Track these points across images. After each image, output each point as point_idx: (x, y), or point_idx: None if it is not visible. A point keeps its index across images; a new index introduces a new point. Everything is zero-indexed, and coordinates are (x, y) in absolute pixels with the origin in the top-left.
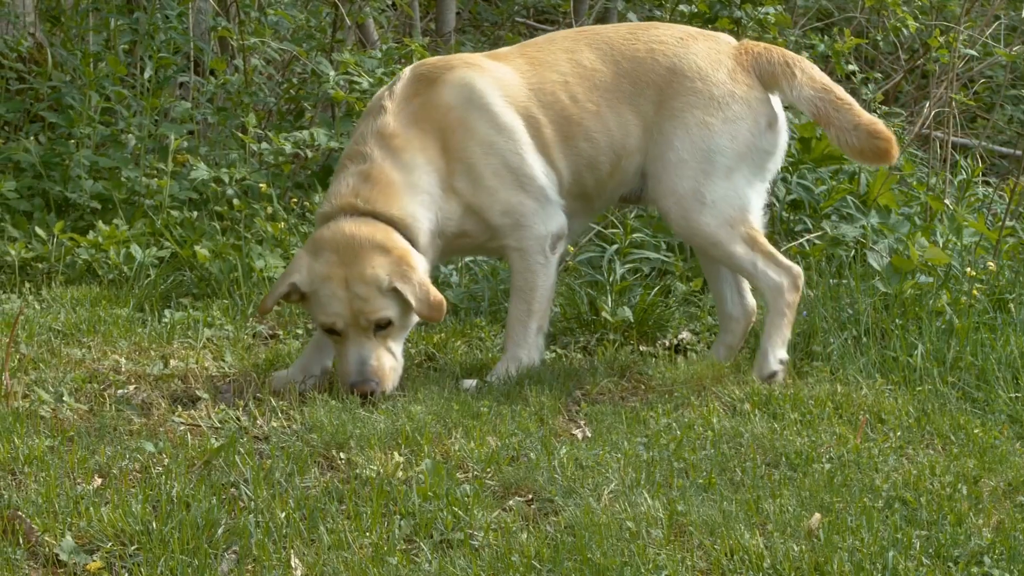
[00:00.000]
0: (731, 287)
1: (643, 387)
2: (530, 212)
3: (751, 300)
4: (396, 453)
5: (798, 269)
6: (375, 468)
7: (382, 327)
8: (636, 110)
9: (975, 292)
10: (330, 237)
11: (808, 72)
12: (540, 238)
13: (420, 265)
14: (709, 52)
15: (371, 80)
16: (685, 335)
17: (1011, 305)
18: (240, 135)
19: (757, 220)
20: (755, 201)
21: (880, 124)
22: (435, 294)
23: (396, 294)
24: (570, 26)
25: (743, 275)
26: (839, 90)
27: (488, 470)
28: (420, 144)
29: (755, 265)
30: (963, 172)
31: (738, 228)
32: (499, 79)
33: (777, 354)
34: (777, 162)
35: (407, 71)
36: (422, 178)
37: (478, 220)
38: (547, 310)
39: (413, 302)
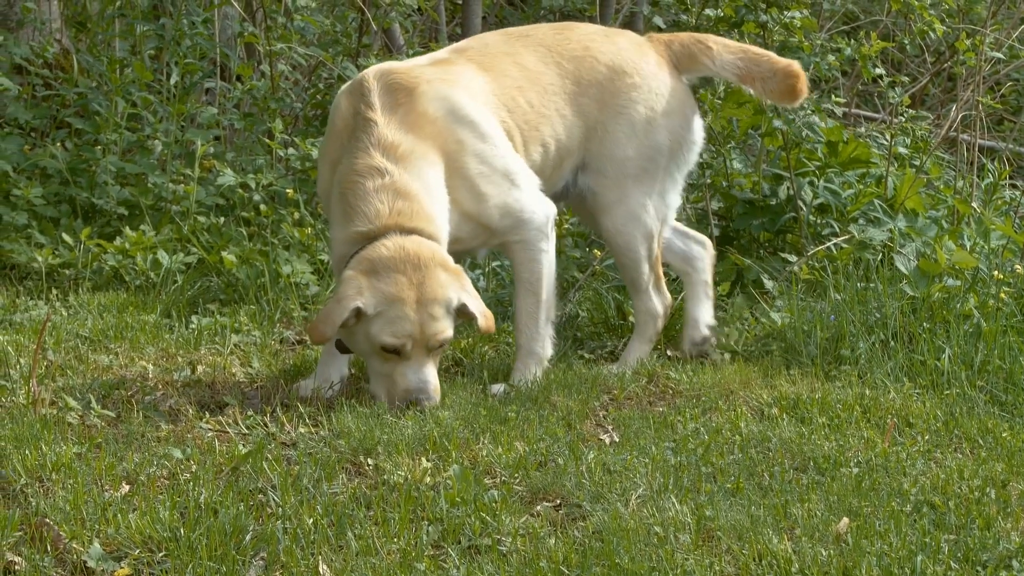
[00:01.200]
0: (676, 234)
1: (670, 391)
2: (527, 205)
3: (698, 236)
4: (424, 459)
5: (670, 299)
6: (403, 474)
7: (441, 346)
8: (579, 111)
9: (1003, 295)
10: (390, 257)
11: (720, 42)
12: (541, 226)
13: None
14: (634, 47)
15: None
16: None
17: None
18: (267, 141)
19: (666, 232)
20: (674, 208)
21: (795, 65)
22: (487, 309)
23: (455, 313)
24: None
25: (630, 288)
26: (753, 47)
27: (516, 475)
28: (422, 152)
29: (647, 286)
30: (990, 175)
31: (653, 243)
32: (468, 87)
33: (631, 368)
34: (696, 155)
35: (371, 81)
36: (436, 187)
37: (475, 226)
38: (553, 299)
39: (480, 319)
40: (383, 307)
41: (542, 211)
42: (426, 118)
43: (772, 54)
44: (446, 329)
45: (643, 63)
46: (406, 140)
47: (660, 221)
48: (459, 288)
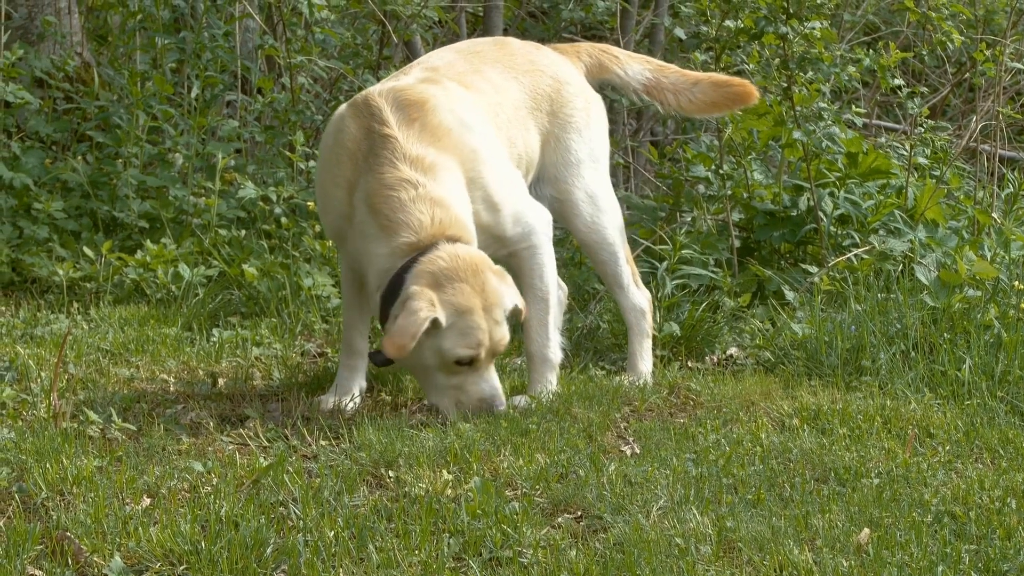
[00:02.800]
0: None
1: (691, 403)
2: (530, 211)
3: None
4: (445, 471)
5: (648, 294)
6: (424, 486)
7: (500, 353)
8: (537, 124)
9: (1023, 306)
10: (449, 267)
11: (624, 52)
12: (544, 231)
13: None
14: (559, 57)
15: None
16: (733, 351)
17: None
18: (288, 153)
19: None
20: None
21: (719, 75)
22: None
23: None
24: (617, 43)
25: (613, 287)
26: (656, 60)
27: (537, 487)
28: (444, 163)
29: (629, 281)
30: (1010, 185)
31: (623, 233)
32: (465, 101)
33: (647, 372)
34: None
35: (378, 100)
36: (463, 196)
37: (488, 237)
38: (559, 304)
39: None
40: (454, 319)
41: (544, 217)
42: (442, 130)
43: (676, 67)
44: (507, 334)
45: (572, 71)
46: (429, 152)
47: (619, 211)
48: (510, 289)
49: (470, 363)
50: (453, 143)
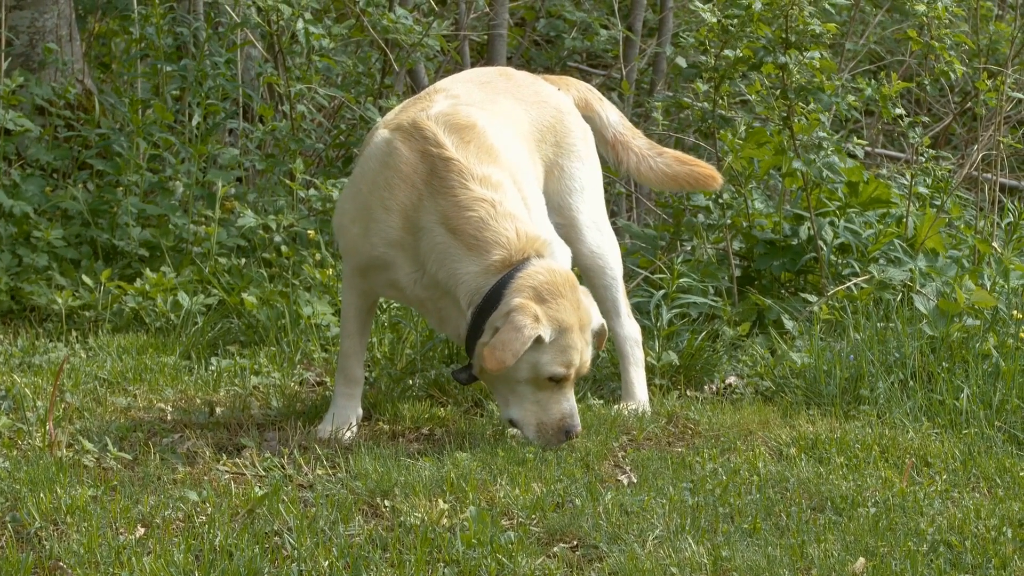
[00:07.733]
0: None
1: (690, 432)
2: (558, 242)
3: None
4: (441, 500)
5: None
6: (419, 515)
7: (583, 374)
8: (542, 154)
9: (1022, 335)
10: (547, 282)
11: (606, 99)
12: (566, 256)
13: None
14: (556, 88)
15: None
16: (732, 380)
17: None
18: (288, 182)
19: None
20: None
21: (685, 155)
22: None
23: None
24: (620, 71)
25: (611, 314)
26: (629, 123)
27: (533, 516)
28: (506, 180)
29: (626, 309)
30: (1011, 215)
31: (621, 262)
32: (501, 126)
33: (646, 399)
34: None
35: (430, 123)
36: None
37: None
38: None
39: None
40: (556, 335)
41: (568, 252)
42: (495, 150)
43: (644, 136)
44: (591, 356)
45: (569, 102)
46: (492, 171)
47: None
48: (596, 308)
49: (559, 381)
50: (505, 163)
